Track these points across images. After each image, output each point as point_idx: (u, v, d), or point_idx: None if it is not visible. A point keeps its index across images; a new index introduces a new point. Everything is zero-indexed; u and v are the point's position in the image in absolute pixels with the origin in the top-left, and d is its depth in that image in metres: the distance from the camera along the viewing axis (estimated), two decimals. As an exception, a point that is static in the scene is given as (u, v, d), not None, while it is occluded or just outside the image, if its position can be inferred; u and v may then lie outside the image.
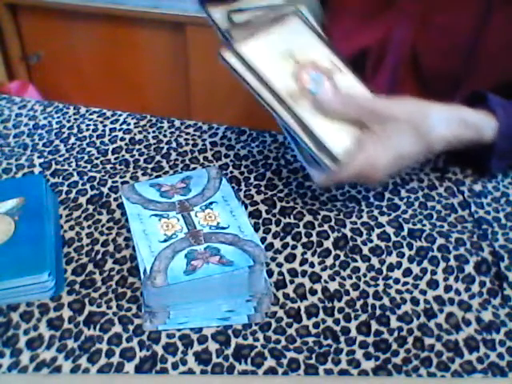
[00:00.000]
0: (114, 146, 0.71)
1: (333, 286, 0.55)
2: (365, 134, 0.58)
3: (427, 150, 0.59)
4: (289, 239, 0.60)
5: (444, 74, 0.69)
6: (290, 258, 0.58)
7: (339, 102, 0.58)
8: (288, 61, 0.59)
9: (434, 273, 0.57)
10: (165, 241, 0.51)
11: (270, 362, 0.49)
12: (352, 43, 0.72)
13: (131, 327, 0.51)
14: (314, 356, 0.50)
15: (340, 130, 0.58)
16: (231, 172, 0.68)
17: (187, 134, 0.73)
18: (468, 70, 0.67)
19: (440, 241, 0.60)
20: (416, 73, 0.71)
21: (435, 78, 0.70)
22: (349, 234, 0.60)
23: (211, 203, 0.56)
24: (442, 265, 0.58)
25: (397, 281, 0.56)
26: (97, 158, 0.69)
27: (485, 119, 0.61)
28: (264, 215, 0.62)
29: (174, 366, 0.49)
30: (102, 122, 0.75)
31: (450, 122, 0.59)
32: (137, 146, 0.71)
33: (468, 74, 0.67)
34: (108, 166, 0.68)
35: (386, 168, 0.58)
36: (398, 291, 0.55)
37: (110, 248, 0.58)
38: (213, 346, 0.50)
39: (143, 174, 0.67)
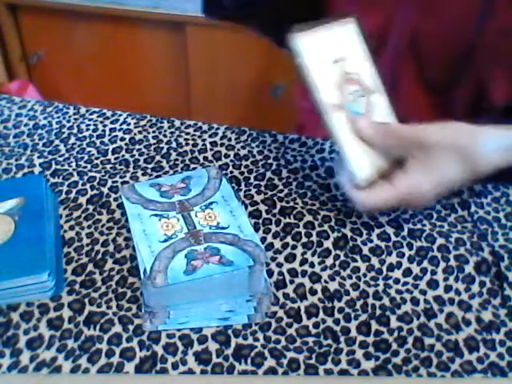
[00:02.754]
0: (114, 146, 0.71)
1: (333, 286, 0.55)
2: (409, 161, 0.56)
3: (474, 176, 0.56)
4: (289, 239, 0.60)
5: (444, 62, 0.68)
6: (290, 258, 0.58)
7: (379, 132, 0.57)
8: (338, 68, 0.58)
9: (433, 273, 0.57)
10: (165, 241, 0.51)
11: (269, 362, 0.49)
12: None
13: (131, 327, 0.51)
14: (314, 356, 0.50)
15: (370, 155, 0.57)
16: (231, 172, 0.68)
17: (187, 134, 0.73)
18: (469, 57, 0.66)
19: (440, 241, 0.60)
20: (416, 60, 0.70)
21: (435, 65, 0.69)
22: (349, 234, 0.60)
23: (211, 203, 0.56)
24: (442, 265, 0.58)
25: (397, 281, 0.56)
26: (97, 158, 0.69)
27: None
28: (264, 215, 0.62)
29: (174, 366, 0.49)
30: (101, 122, 0.75)
31: (505, 149, 0.56)
32: (137, 146, 0.71)
33: (469, 62, 0.66)
34: (108, 166, 0.68)
35: (430, 194, 0.57)
36: (398, 291, 0.55)
37: (110, 248, 0.58)
38: (213, 346, 0.50)
39: (143, 174, 0.67)
